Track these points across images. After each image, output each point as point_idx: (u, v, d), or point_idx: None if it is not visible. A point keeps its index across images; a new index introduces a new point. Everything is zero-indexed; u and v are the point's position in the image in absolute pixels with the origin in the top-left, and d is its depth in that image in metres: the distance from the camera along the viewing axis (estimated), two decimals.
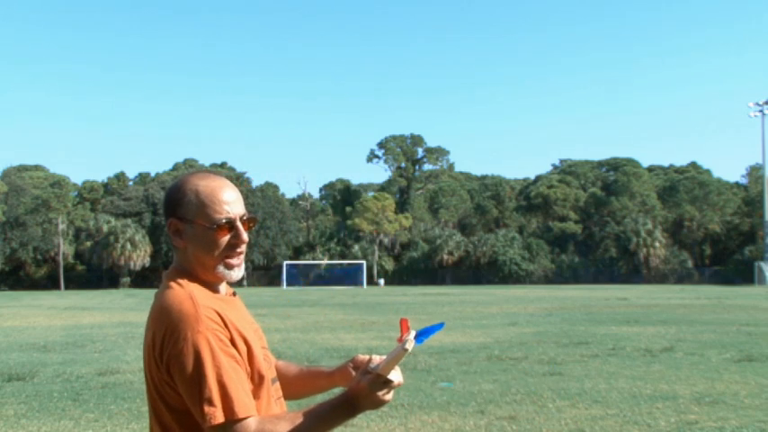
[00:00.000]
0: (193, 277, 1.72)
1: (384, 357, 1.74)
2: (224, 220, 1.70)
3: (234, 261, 1.73)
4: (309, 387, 2.01)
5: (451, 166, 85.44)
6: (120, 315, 24.73)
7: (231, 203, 1.72)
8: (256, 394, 1.64)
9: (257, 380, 1.66)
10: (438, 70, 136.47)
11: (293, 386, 1.98)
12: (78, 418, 7.55)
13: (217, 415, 1.53)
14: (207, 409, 1.53)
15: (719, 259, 69.26)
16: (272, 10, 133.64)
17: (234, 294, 1.81)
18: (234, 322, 1.64)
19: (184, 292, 1.65)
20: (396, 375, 1.70)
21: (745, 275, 60.51)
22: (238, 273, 1.74)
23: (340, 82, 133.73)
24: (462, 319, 21.01)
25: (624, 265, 68.26)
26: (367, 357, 1.84)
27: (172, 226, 1.74)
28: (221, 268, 1.72)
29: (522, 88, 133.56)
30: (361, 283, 64.00)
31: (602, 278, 66.58)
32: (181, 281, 1.69)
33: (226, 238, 1.71)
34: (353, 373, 1.88)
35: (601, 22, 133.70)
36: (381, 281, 68.22)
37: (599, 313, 22.69)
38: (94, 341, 15.36)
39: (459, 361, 11.37)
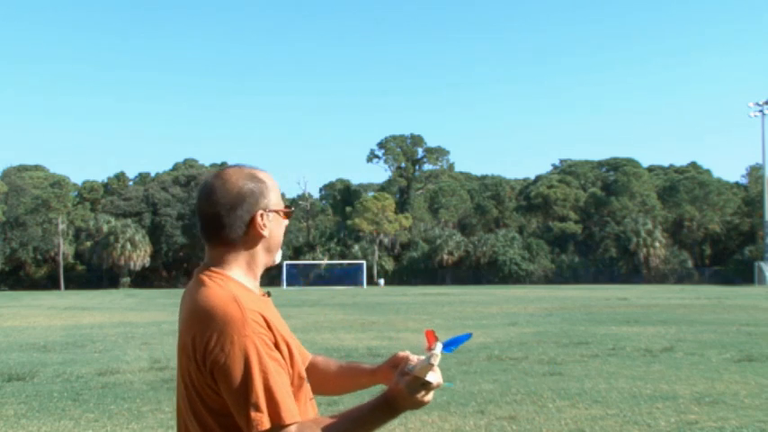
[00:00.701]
0: (231, 276, 1.68)
1: (422, 358, 1.72)
2: (289, 203, 1.73)
3: None
4: (351, 384, 1.99)
5: (451, 166, 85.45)
6: (120, 315, 24.73)
7: None
8: (296, 396, 1.62)
9: (297, 382, 1.65)
10: (438, 70, 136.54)
11: (334, 382, 1.96)
12: (78, 418, 7.55)
13: (263, 421, 1.50)
14: (253, 414, 1.51)
15: (719, 259, 69.26)
16: (272, 10, 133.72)
17: (268, 295, 1.78)
18: (276, 325, 1.62)
19: (227, 294, 1.60)
20: (434, 377, 1.68)
21: (745, 275, 60.51)
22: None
23: (340, 82, 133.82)
24: (462, 319, 21.01)
25: (624, 265, 68.27)
26: (404, 355, 1.81)
27: (260, 218, 1.69)
28: (279, 253, 1.76)
29: (522, 88, 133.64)
30: (361, 283, 63.99)
31: (602, 278, 66.59)
32: (219, 280, 1.65)
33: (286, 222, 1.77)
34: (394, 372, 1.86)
35: (601, 22, 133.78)
36: (381, 281, 68.22)
37: (599, 313, 22.69)
38: (94, 341, 15.36)
39: (459, 361, 11.37)
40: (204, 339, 1.55)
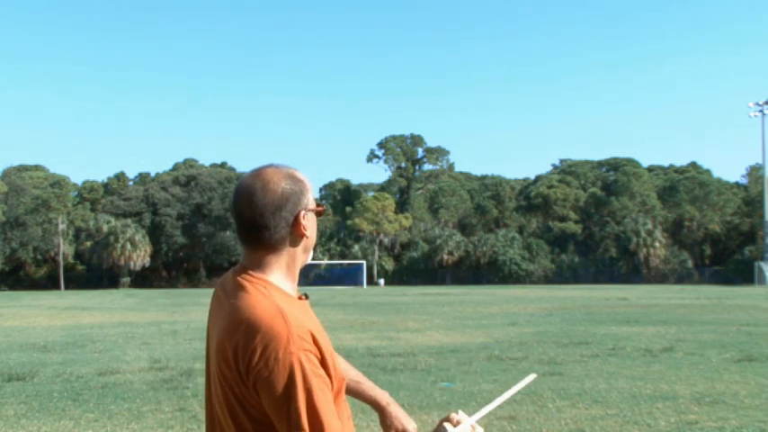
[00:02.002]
0: (272, 282, 1.64)
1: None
2: (321, 200, 1.71)
3: None
4: (355, 396, 2.03)
5: (451, 166, 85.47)
6: (120, 315, 24.73)
7: None
8: (336, 398, 1.58)
9: (338, 385, 1.61)
10: (438, 70, 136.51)
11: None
12: (78, 418, 7.55)
13: None
14: None
15: (719, 259, 69.27)
16: (272, 10, 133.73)
17: (305, 297, 1.74)
18: (319, 339, 1.57)
19: (272, 305, 1.55)
20: None
21: (745, 275, 60.51)
22: None
23: (340, 82, 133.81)
24: (462, 319, 21.01)
25: (624, 265, 68.27)
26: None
27: (303, 219, 1.66)
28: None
29: (522, 88, 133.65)
30: (361, 283, 64.00)
31: (602, 278, 66.59)
32: (261, 287, 1.60)
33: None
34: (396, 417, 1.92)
35: (601, 22, 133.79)
36: (381, 281, 68.24)
37: (599, 313, 22.69)
38: (94, 341, 15.36)
39: (459, 361, 11.37)
40: (248, 353, 1.50)
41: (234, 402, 1.57)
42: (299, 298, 1.71)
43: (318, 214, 1.75)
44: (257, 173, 1.70)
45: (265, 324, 1.51)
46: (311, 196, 1.72)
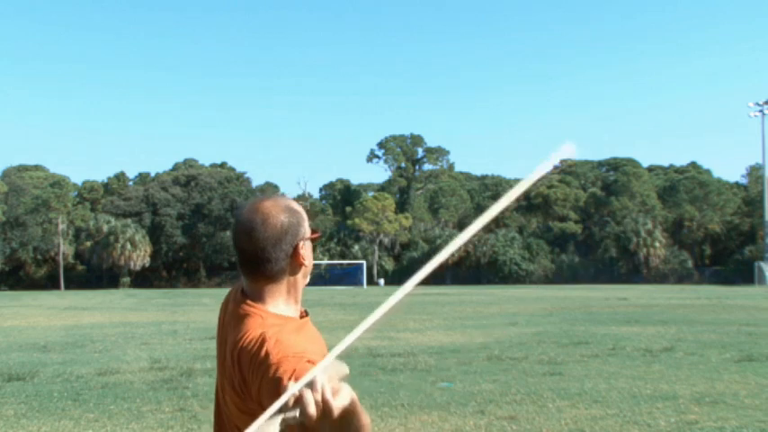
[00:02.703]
0: (273, 310, 1.72)
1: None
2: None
3: None
4: None
5: (451, 166, 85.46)
6: (120, 315, 24.73)
7: None
8: None
9: None
10: (438, 70, 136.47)
11: None
12: (78, 418, 7.55)
13: None
14: None
15: (719, 259, 69.26)
16: (272, 10, 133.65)
17: (306, 314, 1.82)
18: (313, 353, 1.61)
19: (261, 336, 1.61)
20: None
21: (745, 275, 60.50)
22: None
23: (340, 82, 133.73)
24: (462, 319, 21.01)
25: (624, 265, 68.26)
26: None
27: (302, 249, 1.73)
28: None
29: (522, 88, 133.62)
30: (361, 283, 64.00)
31: (602, 278, 66.57)
32: (260, 319, 1.68)
33: None
34: None
35: (601, 22, 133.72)
36: (381, 281, 68.22)
37: (599, 313, 22.69)
38: (94, 341, 15.36)
39: (459, 361, 11.37)
40: (254, 383, 1.57)
41: (246, 416, 1.62)
42: (302, 315, 1.78)
43: (314, 240, 1.81)
44: (256, 207, 1.74)
45: (258, 353, 1.58)
46: (307, 225, 1.78)
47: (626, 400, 8.00)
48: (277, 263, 1.70)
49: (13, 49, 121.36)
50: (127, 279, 65.99)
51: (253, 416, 1.55)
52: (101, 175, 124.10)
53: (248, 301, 1.71)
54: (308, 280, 1.82)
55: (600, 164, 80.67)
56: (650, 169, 79.39)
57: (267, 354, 1.57)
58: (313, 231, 1.80)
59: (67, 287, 65.06)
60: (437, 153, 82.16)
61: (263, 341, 1.60)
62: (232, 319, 1.73)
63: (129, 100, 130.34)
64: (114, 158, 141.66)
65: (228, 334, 1.73)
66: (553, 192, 74.53)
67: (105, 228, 65.64)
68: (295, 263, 1.73)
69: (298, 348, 1.58)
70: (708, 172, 76.82)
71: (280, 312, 1.71)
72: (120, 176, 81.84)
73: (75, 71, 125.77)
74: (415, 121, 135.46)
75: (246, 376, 1.60)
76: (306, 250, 1.75)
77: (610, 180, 76.02)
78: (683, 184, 71.56)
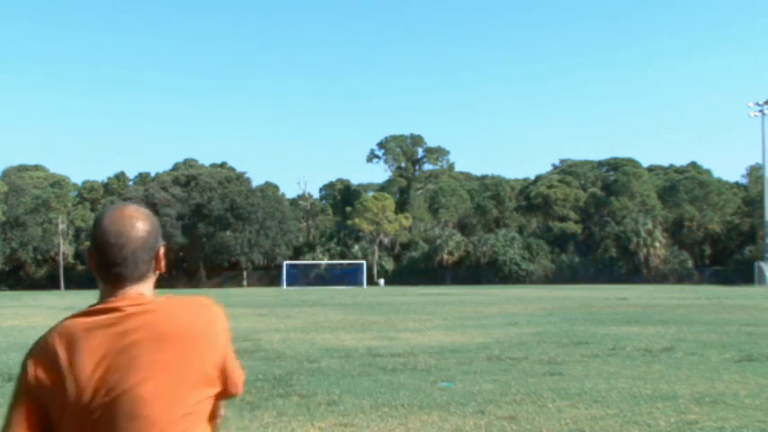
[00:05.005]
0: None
1: None
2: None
3: None
4: None
5: (451, 166, 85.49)
6: None
7: None
8: None
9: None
10: (438, 70, 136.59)
11: None
12: None
13: None
14: None
15: (719, 259, 69.26)
16: (271, 10, 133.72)
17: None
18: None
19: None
20: None
21: (745, 275, 60.49)
22: None
23: (340, 82, 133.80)
24: (462, 319, 21.00)
25: (624, 265, 68.26)
26: None
27: (161, 253, 1.79)
28: None
29: (522, 88, 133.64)
30: (361, 283, 63.99)
31: (602, 278, 66.56)
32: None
33: None
34: None
35: (601, 22, 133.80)
36: (381, 281, 68.21)
37: (599, 313, 22.68)
38: None
39: (459, 361, 11.36)
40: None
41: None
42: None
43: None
44: (119, 213, 1.73)
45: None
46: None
47: (626, 400, 8.00)
48: (145, 265, 1.73)
49: (13, 48, 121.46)
50: None
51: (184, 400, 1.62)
52: (101, 175, 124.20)
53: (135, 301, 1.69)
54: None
55: (600, 164, 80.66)
56: (650, 169, 79.39)
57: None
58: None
59: (67, 287, 65.04)
60: (437, 153, 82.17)
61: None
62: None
63: (129, 100, 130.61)
64: (114, 158, 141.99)
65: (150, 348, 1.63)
66: (553, 192, 74.53)
67: None
68: (158, 266, 1.78)
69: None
70: (708, 172, 76.81)
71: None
72: (120, 176, 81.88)
73: (75, 71, 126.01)
74: (415, 121, 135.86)
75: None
76: (163, 255, 1.80)
77: (610, 180, 76.01)
78: (683, 184, 71.55)
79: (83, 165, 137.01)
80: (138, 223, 1.72)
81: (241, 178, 77.79)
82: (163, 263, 1.78)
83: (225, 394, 1.74)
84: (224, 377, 1.71)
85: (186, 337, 1.64)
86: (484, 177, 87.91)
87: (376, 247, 71.38)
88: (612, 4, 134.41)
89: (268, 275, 71.61)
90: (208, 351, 1.67)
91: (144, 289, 1.73)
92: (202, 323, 1.69)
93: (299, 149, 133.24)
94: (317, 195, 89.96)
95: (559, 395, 8.33)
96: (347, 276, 66.92)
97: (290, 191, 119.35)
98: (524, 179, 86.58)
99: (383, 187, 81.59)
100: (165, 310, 1.68)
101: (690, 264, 68.07)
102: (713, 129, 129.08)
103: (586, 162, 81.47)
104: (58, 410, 1.59)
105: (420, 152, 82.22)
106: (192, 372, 1.63)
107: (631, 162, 76.39)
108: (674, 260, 67.93)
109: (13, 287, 64.54)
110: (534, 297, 35.43)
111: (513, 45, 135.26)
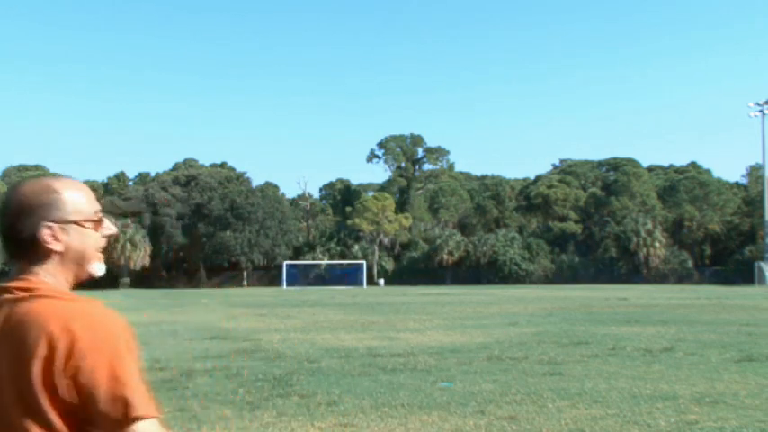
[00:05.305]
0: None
1: None
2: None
3: None
4: None
5: (451, 166, 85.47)
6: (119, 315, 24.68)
7: None
8: None
9: None
10: (438, 70, 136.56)
11: None
12: None
13: None
14: None
15: (719, 259, 69.25)
16: (271, 10, 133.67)
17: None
18: None
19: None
20: None
21: (745, 275, 60.48)
22: None
23: (340, 82, 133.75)
24: (462, 319, 21.00)
25: (624, 265, 68.26)
26: None
27: (49, 231, 1.58)
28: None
29: (522, 88, 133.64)
30: (361, 283, 64.00)
31: (602, 278, 66.56)
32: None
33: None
34: None
35: (601, 22, 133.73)
36: (381, 281, 68.21)
37: (599, 313, 22.69)
38: None
39: (459, 361, 11.37)
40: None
41: None
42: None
43: (95, 226, 1.72)
44: (16, 185, 1.61)
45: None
46: (70, 209, 1.67)
47: (626, 400, 8.00)
48: (21, 242, 1.55)
49: (13, 48, 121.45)
50: (126, 279, 65.97)
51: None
52: (101, 175, 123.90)
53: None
54: (91, 271, 1.67)
55: (600, 164, 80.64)
56: (650, 169, 79.37)
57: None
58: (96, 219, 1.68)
59: None
60: (437, 153, 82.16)
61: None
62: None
63: (129, 100, 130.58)
64: (114, 158, 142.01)
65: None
66: (553, 192, 74.52)
67: None
68: (39, 244, 1.55)
69: None
70: (708, 172, 76.80)
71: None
72: (120, 176, 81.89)
73: (74, 71, 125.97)
74: (415, 121, 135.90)
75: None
76: (65, 234, 1.60)
77: (610, 180, 76.01)
78: (683, 184, 71.55)
79: (83, 165, 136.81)
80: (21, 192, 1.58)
81: (241, 178, 77.78)
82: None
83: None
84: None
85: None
86: (484, 177, 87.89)
87: (376, 247, 71.38)
88: (612, 4, 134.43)
89: (268, 275, 71.59)
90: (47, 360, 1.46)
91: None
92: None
93: (299, 149, 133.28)
94: (317, 195, 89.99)
95: (559, 395, 8.33)
96: (347, 276, 66.91)
97: (290, 191, 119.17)
98: (524, 179, 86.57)
99: (383, 187, 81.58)
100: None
101: (690, 264, 68.07)
102: (713, 129, 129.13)
103: (586, 162, 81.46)
104: None
105: (420, 152, 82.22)
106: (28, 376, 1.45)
107: (631, 162, 76.38)
108: (674, 260, 67.93)
109: None
110: (534, 297, 35.43)
111: (513, 45, 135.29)
